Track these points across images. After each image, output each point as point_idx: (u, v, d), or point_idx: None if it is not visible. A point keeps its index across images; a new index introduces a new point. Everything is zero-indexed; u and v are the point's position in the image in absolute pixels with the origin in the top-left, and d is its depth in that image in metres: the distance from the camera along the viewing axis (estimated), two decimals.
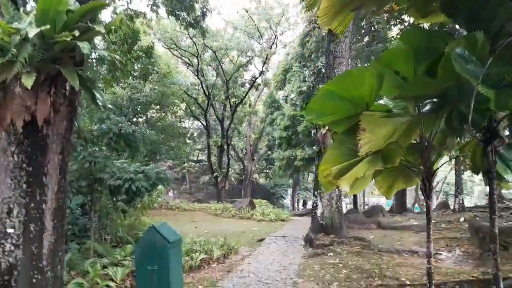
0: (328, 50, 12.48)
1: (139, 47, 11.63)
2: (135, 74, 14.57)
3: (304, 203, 43.35)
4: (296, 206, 37.75)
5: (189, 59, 27.76)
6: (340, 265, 8.52)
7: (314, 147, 21.01)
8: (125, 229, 9.64)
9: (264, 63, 27.90)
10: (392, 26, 15.86)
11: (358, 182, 3.91)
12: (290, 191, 42.83)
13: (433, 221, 14.00)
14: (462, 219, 12.93)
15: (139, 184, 8.69)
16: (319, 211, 12.09)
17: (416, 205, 31.46)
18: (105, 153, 8.80)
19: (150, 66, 15.48)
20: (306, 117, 4.22)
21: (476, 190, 51.49)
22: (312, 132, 14.03)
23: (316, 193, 12.32)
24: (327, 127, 11.71)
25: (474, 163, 4.35)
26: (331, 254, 9.76)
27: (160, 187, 10.79)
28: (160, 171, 9.95)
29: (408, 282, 6.64)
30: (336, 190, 11.94)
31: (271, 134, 37.81)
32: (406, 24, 13.97)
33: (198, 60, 26.07)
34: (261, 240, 12.75)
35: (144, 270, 5.20)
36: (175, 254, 5.60)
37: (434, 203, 40.12)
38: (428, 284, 4.17)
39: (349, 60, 12.98)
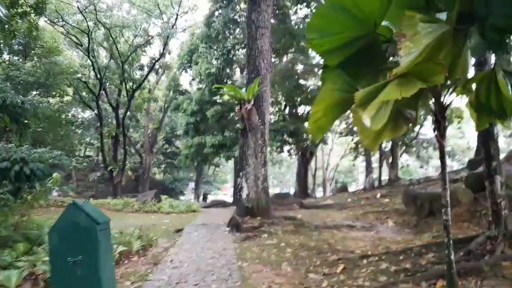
0: (250, 19, 11.62)
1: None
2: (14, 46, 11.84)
3: (205, 197, 42.30)
4: (201, 200, 36.46)
5: (77, 38, 24.41)
6: (282, 244, 7.73)
7: (225, 134, 20.11)
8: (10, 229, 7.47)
9: (165, 44, 25.91)
10: None
11: (379, 114, 3.07)
12: (191, 185, 41.34)
13: (349, 200, 14.28)
14: (378, 195, 13.27)
15: (34, 166, 6.74)
16: (244, 193, 11.19)
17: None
18: None
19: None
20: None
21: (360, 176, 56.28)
22: (236, 108, 13.04)
23: (241, 174, 11.40)
24: (252, 102, 10.88)
25: (478, 101, 3.83)
26: (266, 235, 8.93)
27: (55, 174, 8.71)
28: (56, 154, 8.04)
29: (370, 253, 6.09)
30: (262, 169, 11.21)
31: (171, 124, 35.84)
32: None
33: (89, 38, 23.02)
34: (180, 230, 11.38)
35: (63, 263, 3.66)
36: (105, 240, 4.14)
37: (328, 189, 42.60)
38: (446, 239, 3.57)
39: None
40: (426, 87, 2.93)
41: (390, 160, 21.41)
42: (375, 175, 19.56)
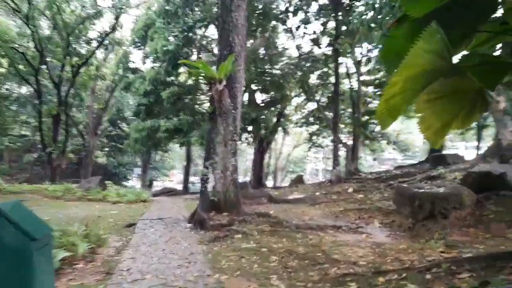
0: None
1: None
2: None
3: (150, 184, 40.10)
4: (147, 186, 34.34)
5: (14, 2, 21.30)
6: (264, 249, 6.53)
7: (182, 116, 18.46)
8: None
9: (117, 17, 23.45)
10: None
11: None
12: (136, 171, 38.93)
13: (317, 193, 13.39)
14: (351, 190, 12.50)
15: None
16: (210, 185, 9.81)
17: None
18: None
19: None
20: None
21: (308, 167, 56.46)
22: (205, 88, 11.53)
23: (207, 164, 9.99)
24: (224, 83, 9.47)
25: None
26: (239, 236, 7.69)
27: None
28: None
29: (384, 268, 5.05)
30: (232, 159, 9.88)
31: (118, 105, 33.15)
32: None
33: (29, 3, 20.12)
34: (131, 225, 9.83)
35: None
36: (45, 262, 2.72)
37: (279, 179, 42.19)
38: None
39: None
40: None
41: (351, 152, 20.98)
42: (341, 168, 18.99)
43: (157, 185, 39.33)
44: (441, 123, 2.98)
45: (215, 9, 17.66)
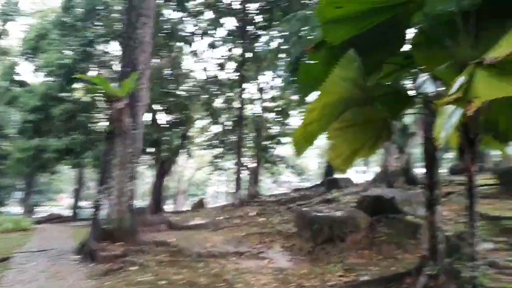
0: (131, 5, 9.66)
1: None
2: None
3: (34, 209, 35.85)
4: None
5: None
6: (162, 282, 6.03)
7: (75, 135, 16.89)
8: None
9: (4, 24, 20.91)
10: None
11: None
12: (16, 195, 34.54)
13: (220, 217, 13.16)
14: (252, 213, 12.50)
15: None
16: (103, 212, 8.93)
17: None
18: None
19: None
20: None
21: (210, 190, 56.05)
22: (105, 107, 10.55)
23: (101, 188, 9.11)
24: (125, 101, 8.86)
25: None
26: (135, 268, 7.04)
27: None
28: None
29: None
30: (130, 183, 9.17)
31: None
32: None
33: None
34: (5, 259, 8.46)
35: None
36: None
37: (180, 202, 41.01)
38: None
39: None
40: None
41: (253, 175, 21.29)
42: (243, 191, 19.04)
43: (43, 211, 35.30)
44: (350, 151, 3.00)
45: (118, 25, 16.80)
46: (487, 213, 6.65)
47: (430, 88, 3.26)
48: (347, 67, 2.22)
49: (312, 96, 2.81)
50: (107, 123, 9.34)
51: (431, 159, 4.56)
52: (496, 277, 4.25)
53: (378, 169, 16.70)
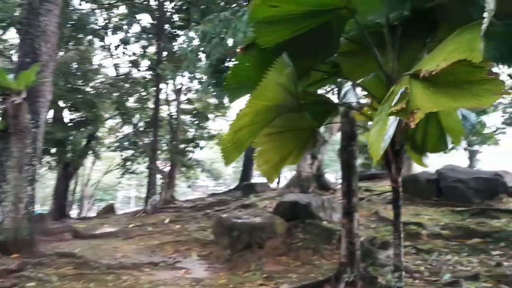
0: None
1: None
2: None
3: None
4: None
5: None
6: None
7: None
8: None
9: None
10: None
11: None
12: None
13: (131, 225, 12.43)
14: (167, 221, 11.97)
15: None
16: None
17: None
18: None
19: None
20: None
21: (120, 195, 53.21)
22: None
23: None
24: (23, 95, 7.89)
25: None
26: (32, 284, 6.25)
27: None
28: None
29: None
30: (28, 188, 8.17)
31: None
32: None
33: None
34: None
35: None
36: None
37: (86, 208, 38.24)
38: None
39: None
40: None
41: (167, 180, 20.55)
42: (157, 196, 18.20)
43: None
44: (278, 158, 2.90)
45: (19, 11, 15.03)
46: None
47: (352, 98, 3.30)
48: (280, 72, 2.10)
49: (240, 100, 2.64)
50: (1, 120, 8.20)
51: (349, 167, 4.70)
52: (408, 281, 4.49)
53: (292, 175, 17.20)
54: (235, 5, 12.21)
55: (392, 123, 1.76)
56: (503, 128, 16.97)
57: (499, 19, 1.80)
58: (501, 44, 1.95)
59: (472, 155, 19.01)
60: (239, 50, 2.50)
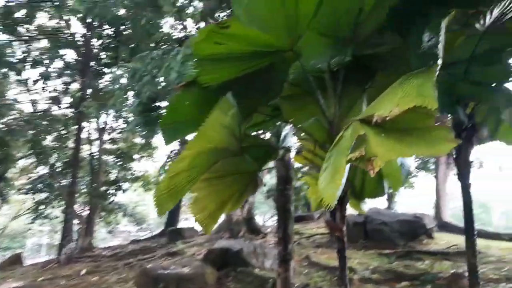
0: None
1: None
2: None
3: None
4: None
5: None
6: None
7: None
8: None
9: None
10: None
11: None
12: None
13: (41, 278, 11.05)
14: (83, 272, 10.80)
15: None
16: None
17: None
18: None
19: None
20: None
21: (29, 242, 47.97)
22: None
23: None
24: None
25: None
26: None
27: None
28: None
29: None
30: None
31: None
32: None
33: None
34: None
35: None
36: None
37: None
38: None
39: None
40: None
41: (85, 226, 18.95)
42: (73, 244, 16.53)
43: None
44: (216, 205, 2.68)
45: None
46: (328, 263, 7.08)
47: (291, 141, 3.23)
48: (225, 112, 1.94)
49: (175, 142, 2.41)
50: None
51: (285, 211, 4.58)
52: None
53: (221, 218, 16.78)
54: (165, 46, 12.13)
55: (346, 170, 1.67)
56: (417, 172, 18.39)
57: (442, 68, 1.84)
58: (442, 93, 1.98)
59: (390, 197, 20.22)
60: (179, 87, 2.31)
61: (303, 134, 3.01)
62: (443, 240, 9.34)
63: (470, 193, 2.41)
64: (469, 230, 2.41)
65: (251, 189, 2.85)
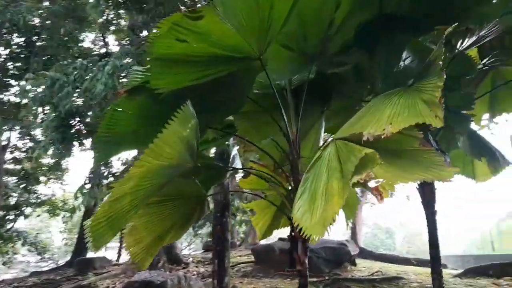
0: None
1: None
2: None
3: None
4: None
5: None
6: None
7: None
8: None
9: None
10: None
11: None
12: None
13: None
14: None
15: None
16: None
17: None
18: None
19: None
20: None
21: None
22: None
23: None
24: None
25: None
26: None
27: None
28: None
29: None
30: None
31: None
32: None
33: None
34: None
35: None
36: None
37: None
38: None
39: None
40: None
41: None
42: None
43: None
44: (155, 236, 2.27)
45: None
46: None
47: (239, 163, 2.96)
48: (184, 124, 1.60)
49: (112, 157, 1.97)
50: None
51: (222, 241, 4.22)
52: None
53: None
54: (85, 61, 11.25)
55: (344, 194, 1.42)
56: None
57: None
58: None
59: None
60: (123, 92, 1.90)
61: (257, 155, 2.75)
62: (364, 267, 9.55)
63: (436, 221, 2.33)
64: (435, 259, 2.30)
65: (196, 216, 2.49)
